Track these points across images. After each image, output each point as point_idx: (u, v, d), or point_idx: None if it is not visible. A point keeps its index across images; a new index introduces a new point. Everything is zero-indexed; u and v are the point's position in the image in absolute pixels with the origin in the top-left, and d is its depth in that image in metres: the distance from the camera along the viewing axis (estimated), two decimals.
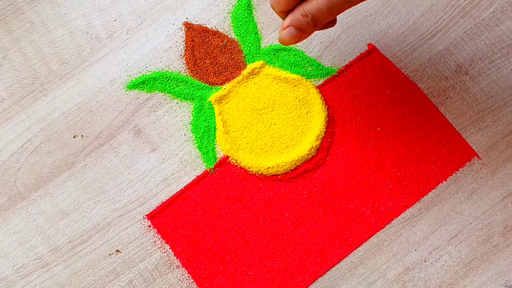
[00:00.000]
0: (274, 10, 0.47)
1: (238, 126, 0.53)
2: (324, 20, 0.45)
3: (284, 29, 0.46)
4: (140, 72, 0.55)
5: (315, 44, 0.55)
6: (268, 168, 0.52)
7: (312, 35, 0.55)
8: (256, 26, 0.55)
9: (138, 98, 0.54)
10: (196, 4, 0.56)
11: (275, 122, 0.53)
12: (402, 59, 0.54)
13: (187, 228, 0.51)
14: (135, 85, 0.54)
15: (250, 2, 0.55)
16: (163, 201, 0.52)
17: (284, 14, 0.46)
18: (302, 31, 0.46)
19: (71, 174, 0.52)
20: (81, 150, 0.53)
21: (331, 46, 0.55)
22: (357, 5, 0.55)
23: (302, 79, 0.54)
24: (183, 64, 0.55)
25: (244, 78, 0.54)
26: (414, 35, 0.55)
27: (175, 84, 0.54)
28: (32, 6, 0.56)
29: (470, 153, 0.52)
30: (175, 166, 0.52)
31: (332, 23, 0.48)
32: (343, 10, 0.45)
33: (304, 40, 0.55)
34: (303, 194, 0.52)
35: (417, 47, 0.55)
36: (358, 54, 0.55)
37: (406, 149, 0.52)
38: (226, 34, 0.55)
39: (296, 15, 0.45)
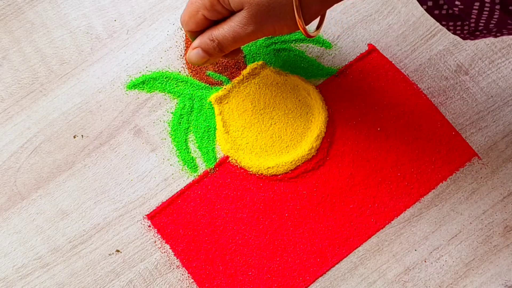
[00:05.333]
0: (183, 28, 0.48)
1: (238, 126, 0.53)
2: (229, 47, 0.47)
3: (193, 49, 0.48)
4: (140, 72, 0.55)
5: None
6: (268, 168, 0.52)
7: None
8: None
9: (138, 98, 0.54)
10: None
11: (275, 122, 0.53)
12: (402, 59, 0.54)
13: (187, 228, 0.51)
14: (135, 85, 0.54)
15: None
16: (163, 201, 0.52)
17: (192, 34, 0.48)
18: (209, 54, 0.48)
19: (71, 174, 0.52)
20: (81, 150, 0.53)
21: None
22: (356, 5, 0.56)
23: (302, 79, 0.54)
24: (183, 64, 0.55)
25: (244, 78, 0.54)
26: (414, 35, 0.55)
27: (175, 84, 0.54)
28: (32, 6, 0.56)
29: (470, 153, 0.52)
30: (175, 166, 0.52)
31: (237, 52, 0.50)
32: (247, 42, 0.47)
33: (304, 40, 0.55)
34: (303, 194, 0.52)
35: (417, 47, 0.55)
36: (358, 54, 0.55)
37: (406, 149, 0.52)
38: None
39: (204, 38, 0.47)
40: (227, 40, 0.46)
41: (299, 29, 0.45)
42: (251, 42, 0.55)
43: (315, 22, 0.50)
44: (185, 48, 0.55)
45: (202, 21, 0.47)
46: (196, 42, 0.48)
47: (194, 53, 0.48)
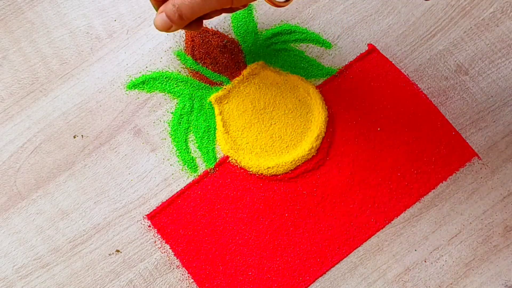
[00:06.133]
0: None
1: (238, 126, 0.53)
2: (187, 14, 0.46)
3: (159, 14, 0.47)
4: (140, 72, 0.55)
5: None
6: (268, 168, 0.52)
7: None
8: (256, 26, 0.55)
9: (138, 98, 0.54)
10: None
11: (275, 122, 0.53)
12: (402, 59, 0.54)
13: (187, 228, 0.51)
14: (135, 85, 0.54)
15: None
16: (163, 201, 0.52)
17: (157, 4, 0.48)
18: (171, 21, 0.47)
19: (71, 174, 0.52)
20: (81, 150, 0.53)
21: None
22: (357, 5, 0.55)
23: (302, 79, 0.54)
24: (183, 64, 0.55)
25: (244, 78, 0.54)
26: (414, 35, 0.55)
27: (175, 84, 0.54)
28: (32, 6, 0.56)
29: (470, 153, 0.52)
30: (175, 166, 0.52)
31: (197, 25, 0.49)
32: (204, 11, 0.46)
33: (304, 40, 0.55)
34: (303, 194, 0.52)
35: (417, 47, 0.55)
36: (358, 54, 0.55)
37: (406, 149, 0.52)
38: (226, 34, 0.55)
39: (168, 4, 0.47)
40: (185, 6, 0.46)
41: None
42: (250, 42, 0.55)
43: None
44: (185, 48, 0.55)
45: None
46: (162, 7, 0.47)
47: (159, 17, 0.48)
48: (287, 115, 0.53)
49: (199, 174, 0.52)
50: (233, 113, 0.53)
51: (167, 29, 0.48)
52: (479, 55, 0.54)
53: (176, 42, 0.55)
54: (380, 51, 0.55)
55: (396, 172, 0.52)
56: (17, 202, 0.52)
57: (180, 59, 0.55)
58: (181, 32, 0.55)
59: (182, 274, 0.50)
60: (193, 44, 0.55)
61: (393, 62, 0.54)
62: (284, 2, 0.47)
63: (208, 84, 0.54)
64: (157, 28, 0.48)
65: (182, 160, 0.52)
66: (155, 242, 0.51)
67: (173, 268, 0.50)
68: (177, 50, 0.55)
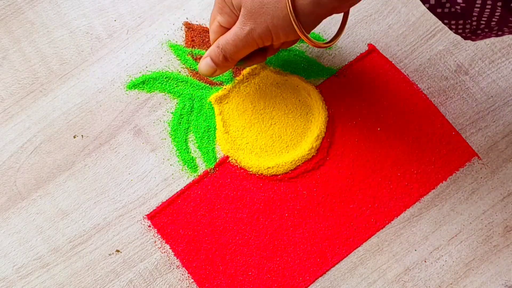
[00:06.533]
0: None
1: (238, 126, 0.53)
2: (232, 54, 0.46)
3: (204, 59, 0.48)
4: (140, 72, 0.55)
5: None
6: (268, 168, 0.52)
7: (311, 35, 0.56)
8: None
9: (138, 98, 0.54)
10: (196, 4, 0.56)
11: (275, 122, 0.53)
12: (402, 59, 0.54)
13: (187, 228, 0.51)
14: (135, 85, 0.54)
15: None
16: (163, 201, 0.52)
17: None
18: (215, 63, 0.47)
19: (71, 174, 0.52)
20: (81, 150, 0.53)
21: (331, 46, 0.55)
22: (356, 5, 0.56)
23: (302, 79, 0.54)
24: (183, 64, 0.55)
25: (244, 78, 0.54)
26: (414, 35, 0.55)
27: (175, 84, 0.54)
28: (32, 6, 0.56)
29: (470, 153, 0.52)
30: (175, 166, 0.52)
31: (261, 57, 0.49)
32: (248, 47, 0.46)
33: (304, 40, 0.55)
34: (303, 194, 0.52)
35: (417, 47, 0.55)
36: (358, 54, 0.55)
37: (406, 149, 0.52)
38: None
39: (213, 46, 0.47)
40: (229, 45, 0.46)
41: (297, 35, 0.44)
42: None
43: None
44: (185, 47, 0.55)
45: (218, 29, 0.47)
46: (208, 51, 0.47)
47: (204, 62, 0.48)
48: (287, 115, 0.53)
49: (199, 174, 0.52)
50: (233, 113, 0.53)
51: (211, 73, 0.48)
52: (479, 55, 0.54)
53: (176, 42, 0.55)
54: (380, 51, 0.55)
55: (396, 172, 0.52)
56: (17, 202, 0.52)
57: (180, 59, 0.55)
58: (181, 33, 0.55)
59: (182, 274, 0.50)
60: (193, 44, 0.55)
61: (393, 62, 0.54)
62: (327, 43, 0.47)
63: (208, 84, 0.54)
64: (201, 73, 0.48)
65: (182, 160, 0.52)
66: (155, 242, 0.51)
67: (173, 268, 0.50)
68: (176, 46, 0.55)
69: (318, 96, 0.53)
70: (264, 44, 0.46)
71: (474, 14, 0.38)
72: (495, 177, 0.52)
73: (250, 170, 0.52)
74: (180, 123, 0.53)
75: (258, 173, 0.52)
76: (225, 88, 0.54)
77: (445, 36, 0.55)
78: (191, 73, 0.54)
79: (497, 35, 0.41)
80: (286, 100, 0.53)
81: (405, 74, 0.54)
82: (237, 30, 0.45)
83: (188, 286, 0.50)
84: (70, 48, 0.55)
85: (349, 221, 0.51)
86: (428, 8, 0.40)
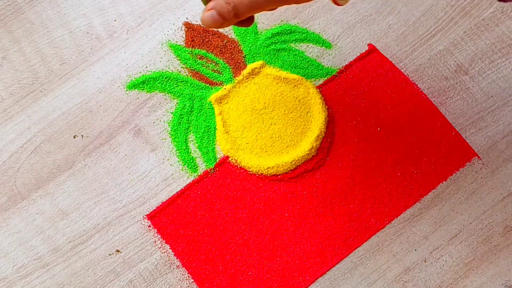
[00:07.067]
0: None
1: (238, 126, 0.53)
2: (244, 13, 0.44)
3: (207, 11, 0.45)
4: (140, 72, 0.55)
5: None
6: (268, 168, 0.52)
7: None
8: (256, 26, 0.55)
9: (138, 98, 0.54)
10: (196, 4, 0.56)
11: (275, 122, 0.53)
12: (402, 59, 0.54)
13: (187, 228, 0.51)
14: (135, 85, 0.54)
15: None
16: (163, 201, 0.52)
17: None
18: (223, 18, 0.45)
19: (71, 174, 0.52)
20: (81, 150, 0.53)
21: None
22: (356, 5, 0.55)
23: (302, 79, 0.54)
24: (183, 64, 0.55)
25: (244, 78, 0.54)
26: (414, 35, 0.55)
27: (175, 84, 0.54)
28: (32, 6, 0.56)
29: (470, 153, 0.52)
30: (175, 166, 0.52)
31: (249, 21, 0.47)
32: (263, 9, 0.44)
33: (304, 40, 0.55)
34: (303, 194, 0.52)
35: (417, 47, 0.55)
36: (358, 54, 0.55)
37: (406, 149, 0.52)
38: (226, 34, 0.55)
39: (220, 0, 0.44)
40: (243, 4, 0.43)
41: None
42: (250, 42, 0.55)
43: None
44: (185, 47, 0.55)
45: None
46: (211, 3, 0.45)
47: (209, 15, 0.46)
48: (287, 115, 0.53)
49: (199, 174, 0.52)
50: (233, 113, 0.53)
51: (218, 26, 0.45)
52: (479, 55, 0.54)
53: (176, 42, 0.55)
54: (380, 51, 0.55)
55: (396, 172, 0.52)
56: (17, 202, 0.52)
57: (180, 59, 0.55)
58: (181, 33, 0.55)
59: (182, 274, 0.50)
60: (193, 44, 0.55)
61: (393, 62, 0.54)
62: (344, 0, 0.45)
63: (208, 84, 0.54)
64: (205, 25, 0.45)
65: (182, 160, 0.52)
66: (155, 242, 0.51)
67: (173, 268, 0.50)
68: (176, 46, 0.55)
69: (318, 96, 0.53)
70: (284, 4, 0.44)
71: None
72: (495, 177, 0.52)
73: (250, 170, 0.52)
74: (180, 123, 0.53)
75: (258, 173, 0.52)
76: (225, 88, 0.54)
77: (445, 36, 0.55)
78: (191, 73, 0.54)
79: None
80: (286, 100, 0.53)
81: (405, 74, 0.54)
82: None
83: (188, 286, 0.50)
84: (70, 48, 0.55)
85: (349, 221, 0.51)
86: None
